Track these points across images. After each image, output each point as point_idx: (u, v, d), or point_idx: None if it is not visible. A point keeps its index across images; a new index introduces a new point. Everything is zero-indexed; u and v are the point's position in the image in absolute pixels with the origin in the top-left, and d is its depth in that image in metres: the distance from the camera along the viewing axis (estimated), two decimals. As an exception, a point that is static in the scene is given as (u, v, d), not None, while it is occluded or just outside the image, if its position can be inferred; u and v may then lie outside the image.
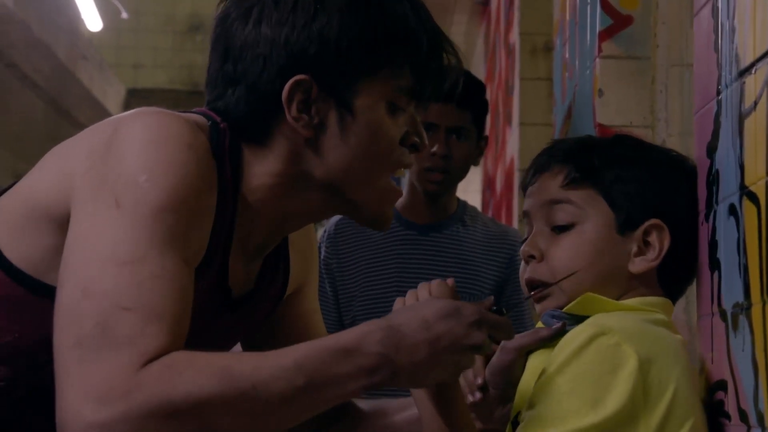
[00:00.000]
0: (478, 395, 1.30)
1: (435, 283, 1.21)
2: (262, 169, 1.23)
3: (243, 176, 1.22)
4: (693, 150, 1.36)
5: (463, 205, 2.50)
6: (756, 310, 1.12)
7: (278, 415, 1.06)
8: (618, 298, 1.28)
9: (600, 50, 2.03)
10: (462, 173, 2.44)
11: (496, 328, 1.15)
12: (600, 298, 1.26)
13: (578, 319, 1.24)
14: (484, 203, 4.93)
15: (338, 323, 2.36)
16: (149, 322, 1.03)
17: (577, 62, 2.26)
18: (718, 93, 1.25)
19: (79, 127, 7.40)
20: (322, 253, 2.40)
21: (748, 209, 1.15)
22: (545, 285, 1.29)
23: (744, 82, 1.16)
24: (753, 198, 1.14)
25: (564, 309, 1.28)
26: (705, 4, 1.31)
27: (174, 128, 1.13)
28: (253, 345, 1.39)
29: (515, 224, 3.47)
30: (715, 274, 1.25)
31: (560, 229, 1.30)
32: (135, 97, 9.23)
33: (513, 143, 3.78)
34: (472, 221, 2.47)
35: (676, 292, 1.34)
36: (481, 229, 2.47)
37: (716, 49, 1.26)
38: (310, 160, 1.22)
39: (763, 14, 1.11)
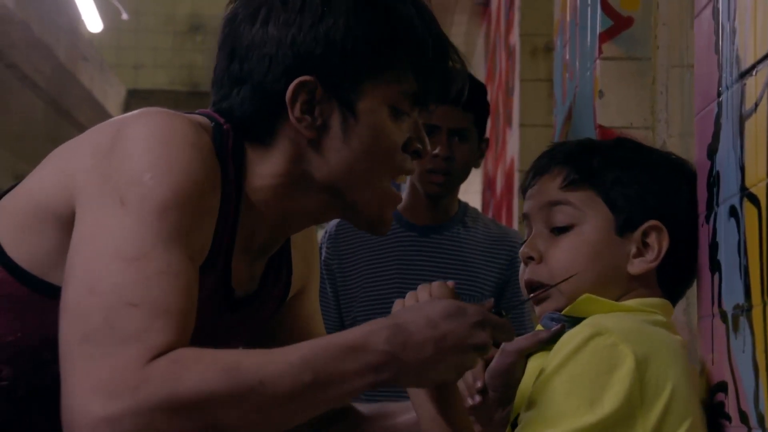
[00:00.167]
0: (477, 398, 1.30)
1: (435, 285, 1.22)
2: (264, 169, 1.23)
3: (246, 177, 1.23)
4: (693, 151, 1.36)
5: (464, 206, 2.50)
6: (756, 312, 1.12)
7: (285, 411, 1.06)
8: (617, 300, 1.29)
9: (600, 51, 2.03)
10: (463, 175, 2.44)
11: (498, 329, 1.16)
12: (599, 299, 1.27)
13: (577, 321, 1.24)
14: (484, 204, 4.94)
15: (339, 324, 2.36)
16: (156, 318, 1.04)
17: (577, 63, 2.26)
18: (719, 94, 1.25)
19: (79, 127, 7.41)
20: (323, 253, 2.40)
21: (749, 211, 1.15)
22: (544, 286, 1.29)
23: (745, 84, 1.16)
24: (753, 200, 1.14)
25: (563, 311, 1.28)
26: (706, 6, 1.31)
27: (178, 127, 1.14)
28: (255, 347, 1.39)
29: (515, 226, 3.47)
30: (716, 276, 1.25)
31: (559, 231, 1.30)
32: (135, 98, 9.24)
33: (513, 144, 3.78)
34: (473, 223, 2.47)
35: (675, 293, 1.34)
36: (482, 231, 2.47)
37: (717, 51, 1.26)
38: (312, 161, 1.23)
39: (764, 16, 1.11)
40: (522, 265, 1.34)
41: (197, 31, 10.07)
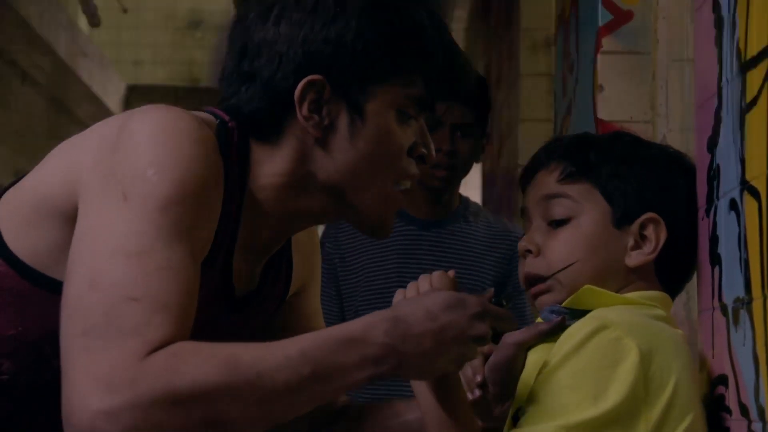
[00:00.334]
0: (477, 393, 1.30)
1: (436, 275, 1.22)
2: (269, 168, 1.23)
3: (250, 175, 1.23)
4: (693, 145, 1.37)
5: (466, 201, 2.50)
6: (757, 305, 1.12)
7: (284, 404, 1.06)
8: (616, 293, 1.29)
9: (600, 46, 2.04)
10: (466, 170, 2.45)
11: (498, 320, 1.16)
12: (599, 290, 1.27)
13: (577, 314, 1.24)
14: (484, 200, 4.93)
15: (340, 318, 2.37)
16: (155, 313, 1.04)
17: (577, 58, 2.26)
18: (719, 88, 1.25)
19: (79, 123, 7.42)
20: (325, 249, 2.40)
21: (749, 204, 1.15)
22: (542, 279, 1.29)
23: (745, 77, 1.16)
24: (754, 193, 1.14)
25: (563, 303, 1.28)
26: (706, -1, 1.31)
27: (182, 124, 1.14)
28: None
29: (515, 221, 3.47)
30: (716, 269, 1.25)
31: (557, 224, 1.30)
32: (135, 94, 9.24)
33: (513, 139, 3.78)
34: (475, 217, 2.47)
35: (674, 287, 1.34)
36: (483, 226, 2.47)
37: (717, 44, 1.26)
38: (317, 161, 1.23)
39: (764, 9, 1.11)
40: (521, 259, 1.34)
41: (197, 27, 10.07)
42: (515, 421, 1.22)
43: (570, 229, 1.30)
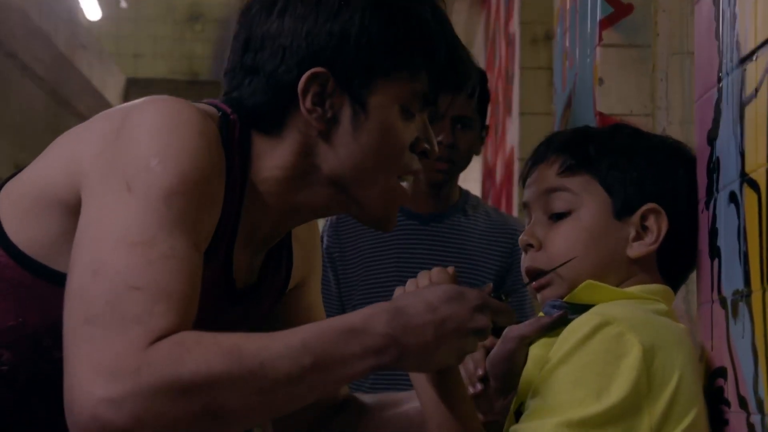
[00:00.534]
0: (478, 387, 1.31)
1: (435, 271, 1.22)
2: (271, 161, 1.23)
3: (252, 167, 1.23)
4: (693, 139, 1.36)
5: (466, 194, 2.50)
6: (756, 298, 1.12)
7: (286, 394, 1.06)
8: (618, 285, 1.29)
9: (600, 39, 2.03)
10: (466, 162, 2.45)
11: (498, 313, 1.16)
12: (600, 285, 1.27)
13: (579, 309, 1.24)
14: (484, 193, 4.93)
15: (340, 312, 2.37)
16: (158, 302, 1.04)
17: (577, 51, 2.26)
18: (719, 80, 1.25)
19: (79, 116, 7.41)
20: (325, 242, 2.40)
21: (749, 197, 1.15)
22: (544, 273, 1.29)
23: (745, 70, 1.16)
24: (753, 185, 1.14)
25: (564, 298, 1.28)
26: (706, -8, 1.31)
27: (185, 115, 1.14)
28: None
29: (515, 214, 3.47)
30: (716, 262, 1.25)
31: (557, 217, 1.30)
32: (135, 87, 9.23)
33: (513, 133, 3.78)
34: (474, 211, 2.47)
35: (676, 279, 1.34)
36: (483, 219, 2.47)
37: (717, 37, 1.25)
38: (320, 154, 1.23)
39: (765, 1, 1.11)
40: (522, 253, 1.34)
41: (197, 20, 10.06)
42: (517, 416, 1.22)
43: (570, 222, 1.30)
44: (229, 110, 1.23)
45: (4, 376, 1.18)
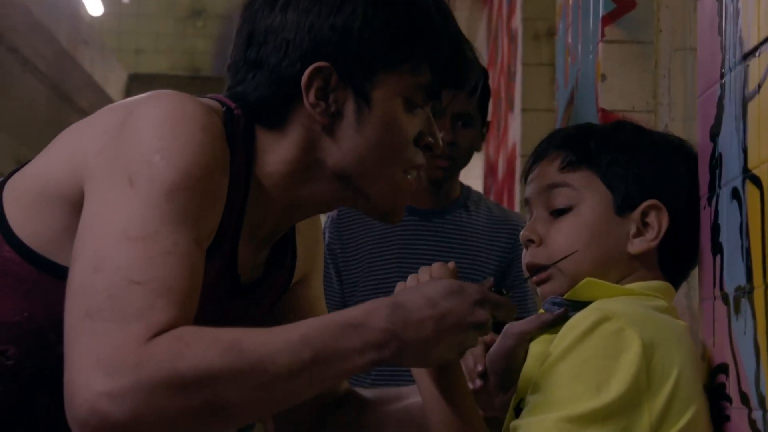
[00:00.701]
0: (478, 382, 1.31)
1: (436, 266, 1.22)
2: (275, 155, 1.23)
3: (256, 162, 1.23)
4: (696, 135, 1.36)
5: (467, 190, 2.50)
6: (758, 294, 1.12)
7: (286, 389, 1.06)
8: (619, 281, 1.29)
9: (603, 35, 2.03)
10: (467, 159, 2.45)
11: (498, 308, 1.16)
12: (600, 282, 1.27)
13: (579, 305, 1.24)
14: (486, 189, 4.93)
15: (342, 308, 2.36)
16: (159, 297, 1.04)
17: (579, 47, 2.26)
18: (722, 76, 1.24)
19: (81, 112, 7.41)
20: (326, 238, 2.40)
21: (751, 193, 1.15)
22: (544, 268, 1.29)
23: (748, 66, 1.16)
24: (756, 181, 1.14)
25: (565, 295, 1.28)
26: (709, -12, 1.30)
27: (189, 109, 1.14)
28: None
29: (517, 210, 3.47)
30: (718, 258, 1.25)
31: (558, 213, 1.31)
32: (136, 83, 9.23)
33: (515, 129, 3.77)
34: (476, 206, 2.47)
35: (677, 275, 1.34)
36: (485, 215, 2.47)
37: (720, 33, 1.25)
38: (324, 149, 1.23)
39: (768, -3, 1.11)
40: (523, 249, 1.34)
41: (198, 16, 10.06)
42: (517, 412, 1.22)
43: (571, 218, 1.30)
44: (233, 105, 1.23)
45: (10, 370, 1.18)
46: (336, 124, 1.22)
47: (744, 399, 1.16)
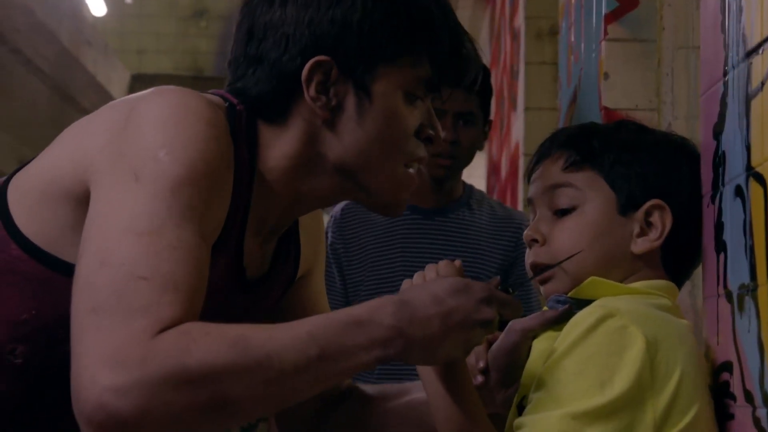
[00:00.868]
0: (479, 379, 1.31)
1: (443, 264, 1.22)
2: (278, 150, 1.24)
3: (259, 157, 1.24)
4: (699, 134, 1.36)
5: (470, 189, 2.50)
6: (762, 292, 1.12)
7: (292, 385, 1.06)
8: (622, 281, 1.29)
9: (606, 33, 2.03)
10: (469, 158, 2.45)
11: (504, 306, 1.16)
12: (604, 281, 1.27)
13: (583, 303, 1.24)
14: (489, 188, 4.93)
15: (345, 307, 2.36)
16: (165, 292, 1.04)
17: (582, 46, 2.26)
18: (725, 74, 1.24)
19: (83, 112, 7.41)
20: (329, 238, 2.40)
21: (755, 190, 1.15)
22: (548, 267, 1.29)
23: (751, 63, 1.16)
24: (759, 179, 1.13)
25: (569, 293, 1.28)
26: (712, -15, 1.30)
27: (193, 105, 1.15)
28: None
29: (520, 209, 3.46)
30: (721, 256, 1.25)
31: (562, 213, 1.31)
32: (139, 83, 9.23)
33: (518, 128, 3.77)
34: (479, 205, 2.47)
35: (681, 274, 1.34)
36: (488, 213, 2.47)
37: (723, 30, 1.25)
38: (326, 142, 1.24)
39: (771, -6, 1.11)
40: (527, 249, 1.34)
41: (201, 16, 10.06)
42: (520, 409, 1.22)
43: (575, 218, 1.30)
44: (235, 101, 1.23)
45: (18, 368, 1.18)
46: (337, 118, 1.23)
47: (748, 397, 1.16)
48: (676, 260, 1.31)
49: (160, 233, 1.07)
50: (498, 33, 4.77)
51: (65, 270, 1.14)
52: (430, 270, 1.22)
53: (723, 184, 1.24)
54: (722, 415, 1.23)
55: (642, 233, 1.29)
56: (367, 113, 1.22)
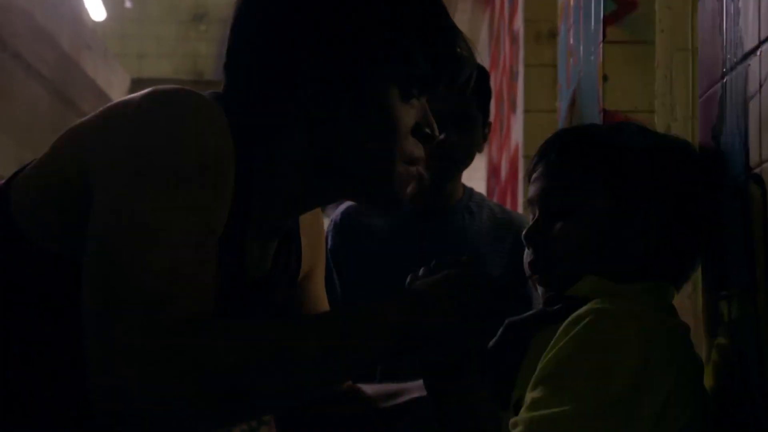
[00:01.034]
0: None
1: (450, 260, 1.24)
2: (275, 149, 1.24)
3: (258, 156, 1.23)
4: (698, 135, 1.36)
5: (470, 191, 2.50)
6: (761, 293, 1.12)
7: (310, 377, 1.07)
8: (619, 281, 1.29)
9: (605, 35, 2.03)
10: (468, 160, 2.44)
11: (511, 301, 1.18)
12: (601, 280, 1.27)
13: (580, 303, 1.25)
14: (489, 191, 4.94)
15: (343, 310, 2.37)
16: (178, 287, 1.05)
17: (581, 48, 2.26)
18: (723, 76, 1.24)
19: (84, 116, 7.40)
20: (329, 242, 2.40)
21: (754, 192, 1.15)
22: (545, 268, 1.30)
23: (749, 65, 1.16)
24: (758, 181, 1.14)
25: (566, 292, 1.29)
26: (710, -13, 1.30)
27: (194, 102, 1.15)
28: None
29: (520, 211, 3.47)
30: (721, 257, 1.25)
31: (561, 213, 1.31)
32: (139, 87, 9.22)
33: (517, 130, 3.77)
34: (479, 208, 2.47)
35: (678, 276, 1.34)
36: (488, 216, 2.46)
37: (721, 32, 1.25)
38: (323, 141, 1.24)
39: (768, -4, 1.11)
40: (525, 249, 1.35)
41: (201, 20, 10.07)
42: (517, 408, 1.22)
43: (573, 218, 1.30)
44: (232, 102, 1.24)
45: (31, 364, 1.18)
46: (333, 116, 1.23)
47: (748, 398, 1.16)
48: (674, 261, 1.32)
49: (169, 229, 1.07)
50: (497, 35, 4.78)
51: (68, 269, 1.14)
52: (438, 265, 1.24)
53: (722, 186, 1.25)
54: (723, 415, 1.23)
55: (639, 234, 1.29)
56: (362, 111, 1.23)
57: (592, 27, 2.14)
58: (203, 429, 1.10)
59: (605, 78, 2.03)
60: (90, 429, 1.06)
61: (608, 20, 2.03)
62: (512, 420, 1.18)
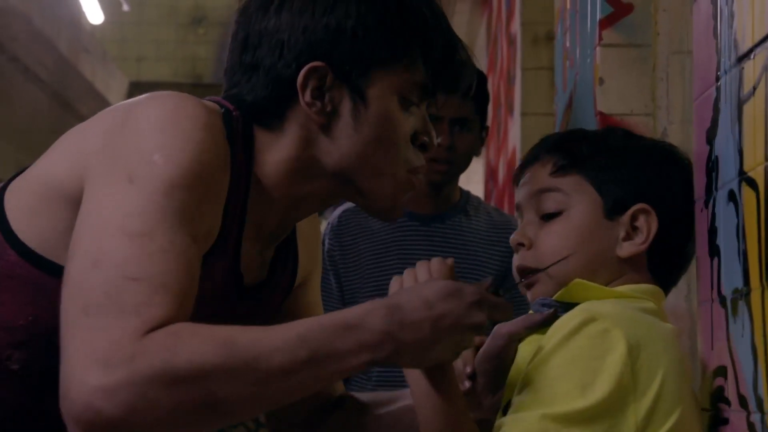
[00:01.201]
0: (467, 384, 1.31)
1: (435, 262, 1.22)
2: (274, 154, 1.24)
3: (255, 162, 1.24)
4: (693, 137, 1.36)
5: (467, 195, 2.50)
6: (755, 296, 1.12)
7: (280, 387, 1.06)
8: (607, 284, 1.29)
9: (600, 38, 2.03)
10: (465, 164, 2.45)
11: (495, 309, 1.16)
12: (589, 284, 1.27)
13: (569, 306, 1.25)
14: (487, 194, 4.93)
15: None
16: (156, 293, 1.04)
17: (577, 51, 2.26)
18: (717, 79, 1.25)
19: (82, 120, 7.38)
20: (326, 245, 2.40)
21: (747, 195, 1.15)
22: (534, 271, 1.30)
23: (743, 68, 1.16)
24: (752, 184, 1.14)
25: (554, 296, 1.29)
26: (704, -10, 1.30)
27: (189, 109, 1.15)
28: None
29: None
30: (715, 261, 1.25)
31: (549, 217, 1.31)
32: (138, 90, 9.23)
33: (515, 133, 3.77)
34: (475, 211, 2.47)
35: (667, 279, 1.34)
36: (485, 219, 2.47)
37: (715, 35, 1.25)
38: (322, 147, 1.24)
39: (762, -1, 1.11)
40: (515, 253, 1.35)
41: (200, 23, 10.07)
42: (506, 413, 1.22)
43: (561, 222, 1.30)
44: (231, 107, 1.24)
45: (15, 374, 1.18)
46: (333, 123, 1.23)
47: (742, 402, 1.16)
48: (663, 265, 1.32)
49: (153, 235, 1.07)
50: (495, 39, 4.78)
51: (62, 275, 1.14)
52: (422, 268, 1.22)
53: (716, 189, 1.25)
54: (717, 419, 1.23)
55: (628, 237, 1.30)
56: (362, 118, 1.23)
57: (588, 30, 2.14)
58: None
59: (601, 81, 2.03)
60: None
61: (604, 23, 2.03)
62: (498, 421, 1.18)
